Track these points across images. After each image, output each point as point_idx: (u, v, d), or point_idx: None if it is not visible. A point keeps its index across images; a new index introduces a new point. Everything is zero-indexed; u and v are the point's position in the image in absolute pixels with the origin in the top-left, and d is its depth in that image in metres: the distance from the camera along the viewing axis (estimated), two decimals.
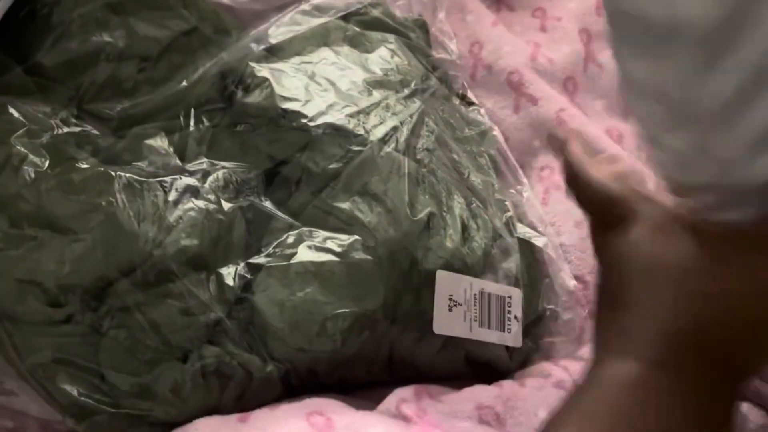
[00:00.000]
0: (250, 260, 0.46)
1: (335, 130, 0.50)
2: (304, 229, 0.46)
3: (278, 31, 0.61)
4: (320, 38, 0.60)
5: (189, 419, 0.42)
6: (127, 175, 0.45)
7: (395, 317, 0.46)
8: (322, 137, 0.49)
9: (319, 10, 0.64)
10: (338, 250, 0.45)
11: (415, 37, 0.68)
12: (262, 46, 0.59)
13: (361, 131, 0.50)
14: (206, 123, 0.51)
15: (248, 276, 0.45)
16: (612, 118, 0.72)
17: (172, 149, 0.48)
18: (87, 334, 0.42)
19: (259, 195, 0.49)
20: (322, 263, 0.45)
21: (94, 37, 0.54)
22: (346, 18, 0.64)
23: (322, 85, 0.55)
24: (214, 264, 0.45)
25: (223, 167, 0.48)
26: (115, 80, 0.54)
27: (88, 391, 0.42)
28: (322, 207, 0.47)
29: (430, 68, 0.67)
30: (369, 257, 0.45)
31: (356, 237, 0.46)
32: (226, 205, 0.47)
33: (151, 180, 0.46)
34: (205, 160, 0.49)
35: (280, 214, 0.48)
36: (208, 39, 0.60)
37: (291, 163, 0.49)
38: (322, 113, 0.51)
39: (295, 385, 0.45)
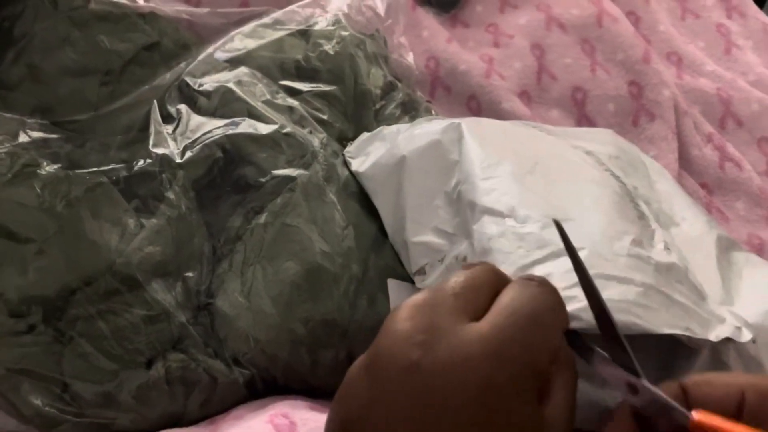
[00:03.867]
0: (215, 264, 0.47)
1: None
2: (265, 234, 0.48)
3: (241, 43, 0.63)
4: (278, 51, 0.62)
5: (154, 427, 0.43)
6: (89, 182, 0.45)
7: (352, 322, 0.47)
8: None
9: (279, 24, 0.66)
10: (297, 255, 0.46)
11: (376, 48, 0.70)
12: (225, 57, 0.60)
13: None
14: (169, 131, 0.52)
15: (213, 280, 0.46)
16: (569, 126, 0.75)
17: (133, 157, 0.49)
18: (50, 343, 0.42)
19: (220, 199, 0.50)
20: (282, 268, 0.46)
21: (56, 51, 0.55)
22: (305, 33, 0.66)
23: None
24: (178, 269, 0.46)
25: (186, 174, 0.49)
26: (78, 93, 0.55)
27: (52, 401, 0.42)
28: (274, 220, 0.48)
29: (394, 78, 0.69)
30: (326, 263, 0.47)
31: (314, 244, 0.47)
32: (190, 211, 0.48)
33: (113, 187, 0.46)
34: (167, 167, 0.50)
35: (240, 218, 0.49)
36: (170, 53, 0.61)
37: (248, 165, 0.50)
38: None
39: (261, 389, 0.46)
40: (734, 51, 0.84)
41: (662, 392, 0.29)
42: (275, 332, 0.45)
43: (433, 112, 0.70)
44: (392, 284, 0.52)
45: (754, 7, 0.90)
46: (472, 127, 0.50)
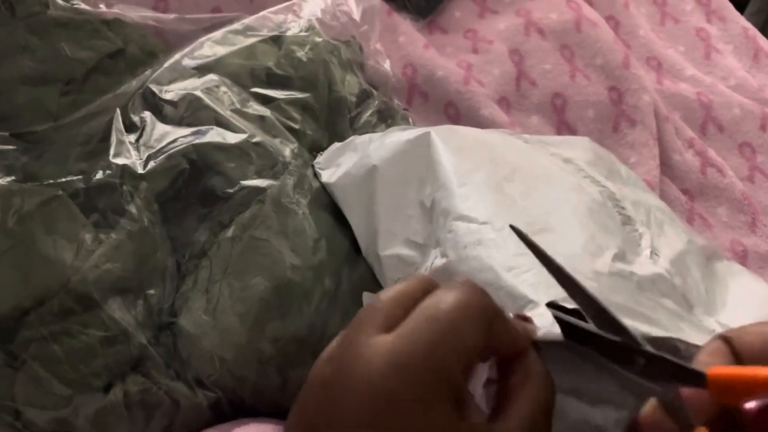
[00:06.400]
0: (179, 281, 0.44)
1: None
2: (233, 248, 0.45)
3: (210, 50, 0.61)
4: (249, 57, 0.60)
5: None
6: (44, 195, 0.43)
7: (324, 339, 0.45)
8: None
9: (250, 30, 0.64)
10: (266, 270, 0.44)
11: (351, 55, 0.68)
12: (193, 64, 0.58)
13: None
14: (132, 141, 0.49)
15: (176, 298, 0.44)
16: (549, 132, 0.73)
17: (92, 168, 0.47)
18: (1, 367, 0.40)
19: (185, 212, 0.48)
20: (250, 284, 0.44)
21: (13, 59, 0.53)
22: (277, 39, 0.64)
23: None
24: (139, 287, 0.43)
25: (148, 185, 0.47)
26: (36, 102, 0.52)
27: (3, 429, 0.40)
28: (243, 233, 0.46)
29: (369, 85, 0.68)
30: (296, 278, 0.45)
31: (284, 258, 0.45)
32: (153, 224, 0.45)
33: (70, 201, 0.44)
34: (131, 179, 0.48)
35: (206, 232, 0.47)
36: (136, 60, 0.59)
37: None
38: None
39: (227, 412, 0.44)
40: (714, 55, 0.84)
41: (671, 356, 0.27)
42: (242, 352, 0.43)
43: (410, 120, 0.69)
44: (367, 297, 0.50)
45: (734, 11, 0.89)
46: (446, 135, 0.49)
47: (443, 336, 0.26)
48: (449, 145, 0.47)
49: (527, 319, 0.32)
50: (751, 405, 0.25)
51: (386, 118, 0.66)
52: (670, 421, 0.27)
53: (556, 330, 0.31)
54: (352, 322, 0.29)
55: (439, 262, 0.42)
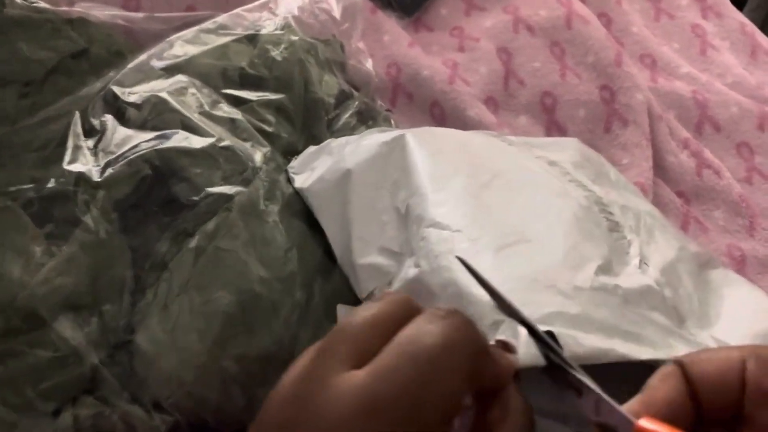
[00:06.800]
0: (138, 296, 0.42)
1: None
2: (196, 260, 0.43)
3: (181, 50, 0.58)
4: (221, 57, 0.57)
5: None
6: None
7: (293, 355, 0.42)
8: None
9: (224, 29, 0.61)
10: (231, 283, 0.42)
11: (331, 54, 0.65)
12: (162, 65, 0.55)
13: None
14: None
15: (134, 314, 0.41)
16: (539, 133, 0.70)
17: (47, 176, 0.44)
18: None
19: (147, 221, 0.45)
20: (212, 299, 0.41)
21: None
22: (253, 38, 0.61)
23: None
24: (94, 303, 0.41)
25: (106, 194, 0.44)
26: None
27: None
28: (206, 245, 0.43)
29: (350, 85, 0.65)
30: (264, 291, 0.42)
31: (250, 270, 0.42)
32: (110, 236, 0.43)
33: (21, 212, 0.41)
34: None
35: (168, 242, 0.44)
36: (100, 61, 0.56)
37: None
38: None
39: None
40: (710, 52, 0.81)
41: (608, 396, 0.25)
42: (203, 372, 0.40)
43: (393, 122, 0.66)
44: (342, 310, 0.47)
45: (731, 7, 0.86)
46: (424, 138, 0.46)
47: (423, 379, 0.22)
48: (426, 148, 0.44)
49: (509, 348, 0.29)
50: None
51: (367, 120, 0.63)
52: None
53: (539, 358, 0.28)
54: (318, 349, 0.25)
55: (413, 272, 0.39)
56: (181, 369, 0.40)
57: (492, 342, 0.28)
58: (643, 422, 0.24)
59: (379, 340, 0.24)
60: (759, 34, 0.83)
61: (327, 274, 0.48)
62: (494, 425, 0.25)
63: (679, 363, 0.25)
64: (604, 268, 0.39)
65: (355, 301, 0.47)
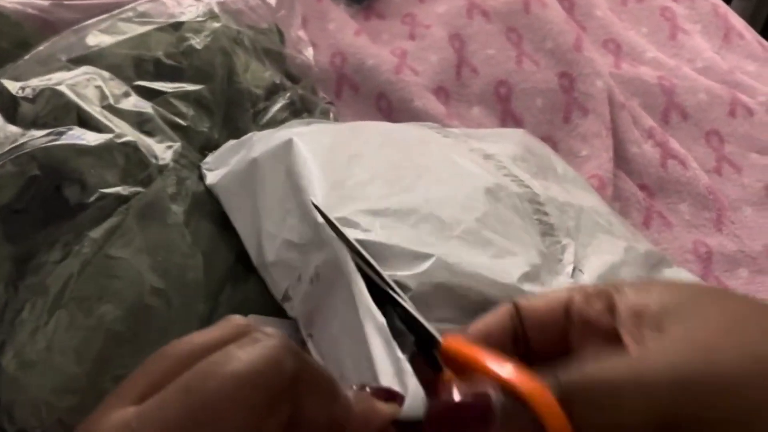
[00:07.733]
0: (14, 313, 0.37)
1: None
2: (80, 270, 0.38)
3: (95, 39, 0.53)
4: (137, 47, 0.52)
5: None
6: None
7: None
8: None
9: (144, 17, 0.56)
10: (118, 295, 0.37)
11: (265, 42, 0.61)
12: (68, 56, 0.51)
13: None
14: None
15: (5, 332, 0.36)
16: (492, 125, 0.66)
17: None
18: None
19: (34, 228, 0.40)
20: (95, 314, 0.36)
21: None
22: (179, 26, 0.57)
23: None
24: None
25: None
26: None
27: None
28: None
29: (286, 76, 0.60)
30: (156, 303, 0.37)
31: (143, 279, 0.38)
32: None
33: None
34: None
35: (58, 252, 0.40)
36: (5, 55, 0.52)
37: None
38: None
39: None
40: (680, 36, 0.76)
41: (420, 315, 0.27)
42: (79, 397, 0.35)
43: (332, 115, 0.61)
44: (254, 321, 0.42)
45: None
46: (343, 138, 0.41)
47: (194, 416, 0.19)
48: (318, 150, 0.40)
49: (394, 396, 0.24)
50: (456, 396, 0.22)
51: (301, 112, 0.58)
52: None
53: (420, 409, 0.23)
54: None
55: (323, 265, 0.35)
56: (53, 394, 0.35)
57: (368, 389, 0.24)
58: (449, 340, 0.25)
59: (182, 371, 0.20)
60: (732, 16, 0.79)
61: (238, 282, 0.44)
62: None
63: (515, 302, 0.26)
64: (531, 276, 0.34)
65: (275, 310, 0.43)
